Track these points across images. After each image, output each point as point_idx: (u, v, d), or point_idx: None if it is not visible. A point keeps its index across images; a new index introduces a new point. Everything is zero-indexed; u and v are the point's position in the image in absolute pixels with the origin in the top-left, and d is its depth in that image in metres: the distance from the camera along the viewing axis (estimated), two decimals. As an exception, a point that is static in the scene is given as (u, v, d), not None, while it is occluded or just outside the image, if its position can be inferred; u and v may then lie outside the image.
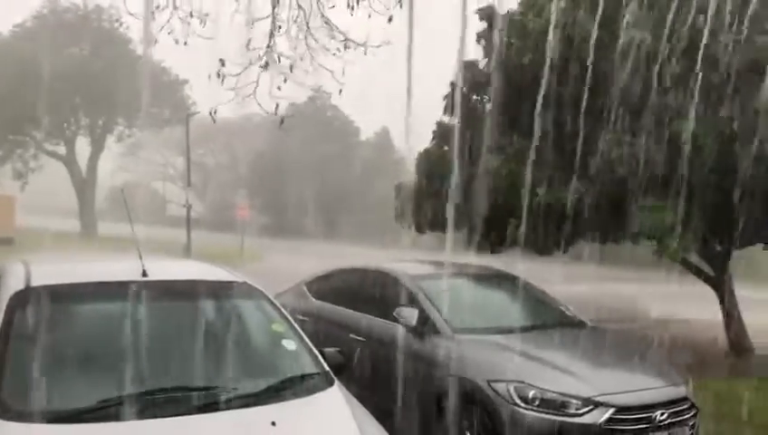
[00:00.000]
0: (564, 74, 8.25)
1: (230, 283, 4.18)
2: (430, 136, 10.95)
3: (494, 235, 9.55)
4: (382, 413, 5.32)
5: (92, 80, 34.99)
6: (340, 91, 7.99)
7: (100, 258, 5.91)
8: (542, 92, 7.89)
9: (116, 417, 3.02)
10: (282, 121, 9.13)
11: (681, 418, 5.05)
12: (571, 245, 9.81)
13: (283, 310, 4.13)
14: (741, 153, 7.65)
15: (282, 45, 7.67)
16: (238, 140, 49.16)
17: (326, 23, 7.49)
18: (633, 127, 8.17)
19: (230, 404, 3.24)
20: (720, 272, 10.33)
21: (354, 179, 37.69)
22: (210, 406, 3.20)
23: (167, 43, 7.37)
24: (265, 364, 3.78)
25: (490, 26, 10.26)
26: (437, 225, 10.49)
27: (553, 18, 8.07)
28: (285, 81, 7.56)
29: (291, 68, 7.51)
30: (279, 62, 7.75)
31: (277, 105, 7.90)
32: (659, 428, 4.90)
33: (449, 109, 10.47)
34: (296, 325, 4.03)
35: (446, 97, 10.50)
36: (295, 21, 7.39)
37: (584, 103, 7.98)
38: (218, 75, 7.59)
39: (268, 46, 7.72)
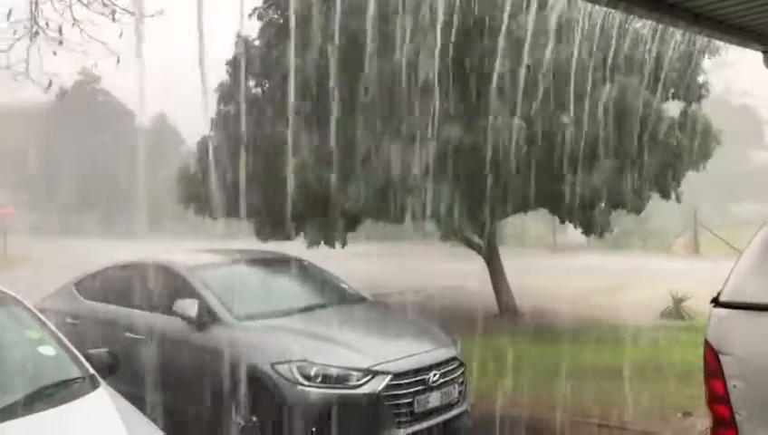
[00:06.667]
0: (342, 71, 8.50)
1: (-27, 290, 3.77)
2: (209, 120, 10.68)
3: (272, 222, 9.63)
4: (166, 411, 5.18)
5: None
6: (118, 60, 7.52)
7: None
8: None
9: None
10: (61, 96, 8.43)
11: (452, 377, 5.48)
12: (351, 230, 10.17)
13: (39, 315, 3.83)
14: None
15: (48, 16, 7.05)
16: (-4, 131, 43.93)
17: None
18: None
19: (-25, 424, 2.93)
20: (488, 243, 11.31)
21: (132, 169, 35.47)
22: None
23: None
24: (18, 375, 3.46)
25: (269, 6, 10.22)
26: (220, 211, 10.31)
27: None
28: (55, 53, 6.96)
29: (60, 36, 6.90)
30: (48, 25, 7.11)
31: (50, 82, 7.28)
32: (432, 388, 5.28)
33: (224, 97, 10.29)
34: (55, 330, 3.75)
35: (219, 86, 10.31)
36: None
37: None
38: None
39: (33, 18, 7.04)
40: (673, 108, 9.82)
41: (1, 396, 3.15)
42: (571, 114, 8.43)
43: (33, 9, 7.20)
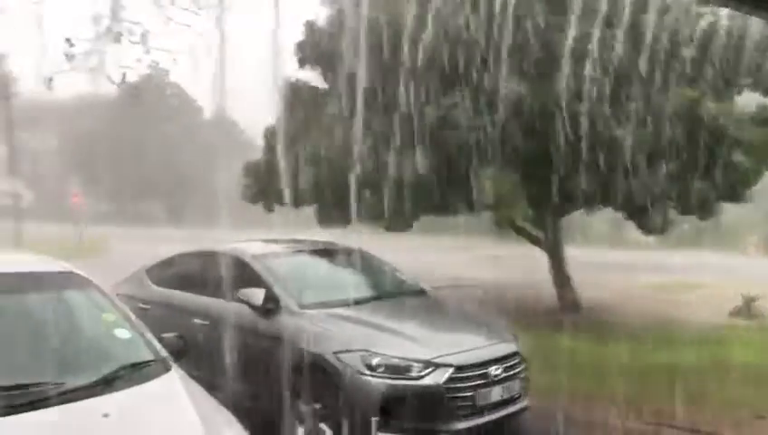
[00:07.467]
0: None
1: (54, 273, 3.95)
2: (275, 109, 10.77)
3: (339, 211, 9.66)
4: (232, 395, 5.30)
5: None
6: (191, 58, 7.74)
7: None
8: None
9: None
10: (135, 94, 8.79)
11: (513, 371, 5.43)
12: (416, 219, 10.13)
13: (114, 299, 3.99)
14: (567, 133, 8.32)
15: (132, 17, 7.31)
16: (70, 123, 45.58)
17: None
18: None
19: (57, 399, 3.07)
20: (551, 237, 11.14)
21: (198, 160, 36.47)
22: (34, 404, 3.02)
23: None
24: (96, 355, 3.62)
25: None
26: (288, 200, 10.44)
27: None
28: (139, 60, 7.21)
29: (143, 36, 7.16)
30: (130, 32, 7.37)
31: (124, 75, 7.54)
32: (494, 383, 5.24)
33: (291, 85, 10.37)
34: (130, 313, 3.89)
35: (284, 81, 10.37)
36: None
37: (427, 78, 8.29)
38: (66, 56, 7.12)
39: (116, 19, 7.32)
40: (748, 102, 9.39)
41: (81, 375, 3.30)
42: (634, 113, 8.20)
43: (117, 11, 7.43)
